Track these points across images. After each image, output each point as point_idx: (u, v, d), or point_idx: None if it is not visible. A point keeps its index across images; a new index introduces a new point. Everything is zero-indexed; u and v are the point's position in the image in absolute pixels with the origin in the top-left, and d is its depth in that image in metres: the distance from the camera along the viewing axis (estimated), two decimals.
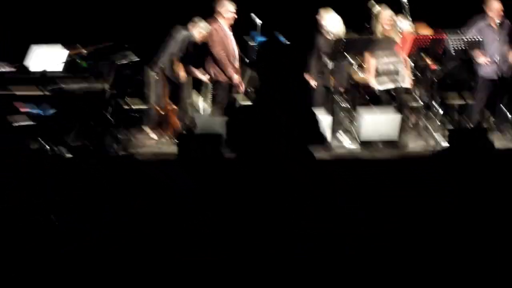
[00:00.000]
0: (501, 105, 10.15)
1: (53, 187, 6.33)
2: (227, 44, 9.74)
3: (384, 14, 9.75)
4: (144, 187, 6.89)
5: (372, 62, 9.76)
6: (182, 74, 10.42)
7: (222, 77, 9.77)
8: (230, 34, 9.78)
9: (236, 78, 9.74)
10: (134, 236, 5.06)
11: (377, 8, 9.88)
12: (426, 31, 10.10)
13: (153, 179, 7.32)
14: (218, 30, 9.75)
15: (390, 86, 9.68)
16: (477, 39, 9.65)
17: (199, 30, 10.37)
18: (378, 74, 9.77)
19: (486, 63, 9.84)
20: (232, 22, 9.82)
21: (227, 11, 9.74)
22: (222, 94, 9.82)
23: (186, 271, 4.33)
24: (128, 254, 4.65)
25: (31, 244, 4.79)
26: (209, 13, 10.15)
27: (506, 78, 9.96)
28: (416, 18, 10.32)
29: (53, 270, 4.40)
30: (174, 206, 5.86)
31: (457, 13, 10.24)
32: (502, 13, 9.86)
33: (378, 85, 9.72)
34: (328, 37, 9.70)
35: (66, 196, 6.03)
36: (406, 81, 9.71)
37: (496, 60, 9.81)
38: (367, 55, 9.73)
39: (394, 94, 9.69)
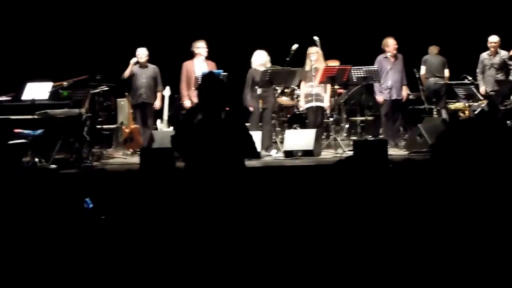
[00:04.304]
0: (396, 121, 12.19)
1: (41, 192, 6.26)
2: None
3: (311, 49, 11.46)
4: (113, 193, 6.94)
5: (302, 87, 11.57)
6: (128, 100, 11.92)
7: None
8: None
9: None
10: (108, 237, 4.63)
11: (295, 46, 11.79)
12: (334, 64, 12.03)
13: (120, 187, 7.79)
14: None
15: (312, 104, 11.36)
16: (374, 69, 11.68)
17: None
18: (304, 96, 11.47)
19: (381, 101, 11.95)
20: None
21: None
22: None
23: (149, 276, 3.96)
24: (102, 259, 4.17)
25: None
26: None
27: (399, 100, 12.07)
28: (331, 56, 12.29)
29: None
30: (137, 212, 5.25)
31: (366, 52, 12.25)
32: (396, 47, 12.02)
33: (304, 105, 11.48)
34: (257, 70, 11.24)
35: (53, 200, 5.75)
36: (324, 102, 11.47)
37: (389, 85, 11.91)
38: (301, 83, 11.48)
39: (315, 111, 11.36)
